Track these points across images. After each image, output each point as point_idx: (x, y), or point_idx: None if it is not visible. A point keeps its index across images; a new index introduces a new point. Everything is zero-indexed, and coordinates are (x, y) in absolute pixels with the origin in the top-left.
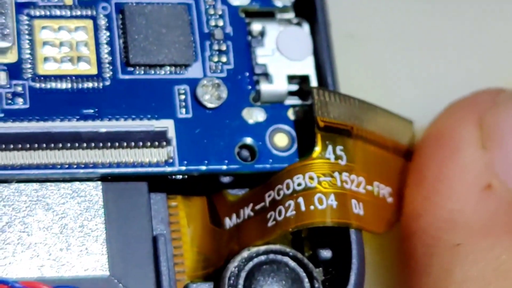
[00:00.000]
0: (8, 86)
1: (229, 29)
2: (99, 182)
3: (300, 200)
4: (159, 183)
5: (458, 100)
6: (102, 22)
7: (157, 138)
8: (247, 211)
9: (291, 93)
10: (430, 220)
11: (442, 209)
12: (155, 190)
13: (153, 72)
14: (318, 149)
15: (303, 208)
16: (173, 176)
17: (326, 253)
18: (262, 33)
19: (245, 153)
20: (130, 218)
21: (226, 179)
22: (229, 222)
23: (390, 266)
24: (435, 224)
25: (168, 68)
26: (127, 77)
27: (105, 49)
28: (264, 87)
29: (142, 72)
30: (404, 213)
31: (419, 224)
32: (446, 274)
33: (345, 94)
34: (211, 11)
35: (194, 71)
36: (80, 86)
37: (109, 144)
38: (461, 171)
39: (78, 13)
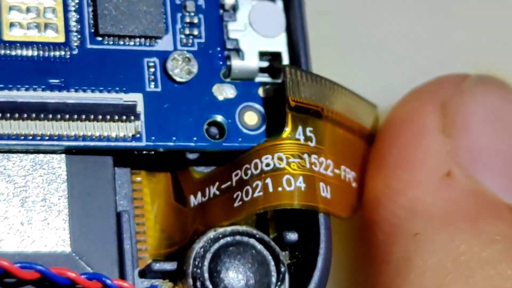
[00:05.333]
0: None
1: (201, 2)
2: (63, 155)
3: (268, 181)
4: (124, 157)
5: (422, 84)
6: None
7: (125, 112)
8: (213, 190)
9: (261, 70)
10: (390, 208)
11: (402, 196)
12: (119, 164)
13: (122, 43)
14: (288, 129)
15: (270, 189)
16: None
17: (292, 236)
18: (234, 7)
19: (214, 130)
20: (94, 193)
21: (192, 156)
22: (194, 200)
23: (353, 252)
24: (395, 212)
25: (138, 39)
26: (95, 46)
27: (73, 17)
28: (235, 63)
29: (111, 42)
30: (365, 200)
31: (380, 211)
32: (406, 263)
33: (317, 74)
34: None
35: (165, 43)
36: (46, 54)
37: (75, 116)
38: (422, 158)
39: None
